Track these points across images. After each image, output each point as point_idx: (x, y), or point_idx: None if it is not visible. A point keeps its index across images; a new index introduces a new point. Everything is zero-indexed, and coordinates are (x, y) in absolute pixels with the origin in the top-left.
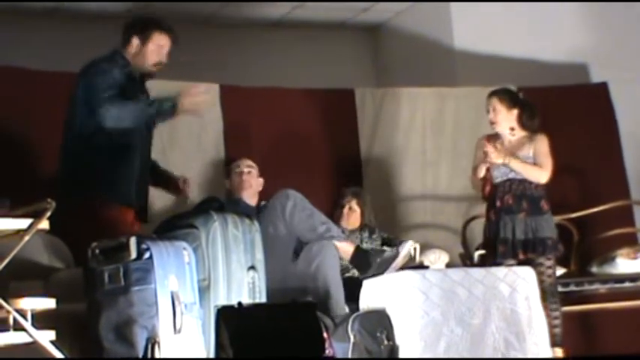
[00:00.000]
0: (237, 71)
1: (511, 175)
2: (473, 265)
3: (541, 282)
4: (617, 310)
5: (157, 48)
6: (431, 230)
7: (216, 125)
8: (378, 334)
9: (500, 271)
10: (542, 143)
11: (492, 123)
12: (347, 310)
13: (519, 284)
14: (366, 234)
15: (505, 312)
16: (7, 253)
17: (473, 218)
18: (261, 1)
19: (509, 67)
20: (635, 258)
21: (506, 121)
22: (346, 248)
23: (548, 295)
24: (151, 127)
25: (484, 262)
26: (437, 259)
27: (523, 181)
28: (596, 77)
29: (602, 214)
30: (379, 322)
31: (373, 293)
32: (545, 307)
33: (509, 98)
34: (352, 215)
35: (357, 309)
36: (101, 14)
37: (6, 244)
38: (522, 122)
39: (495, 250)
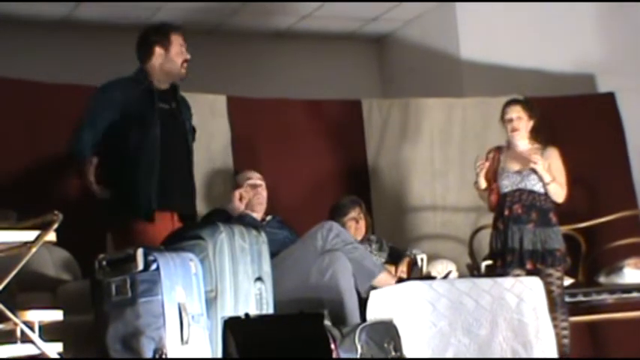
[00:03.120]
0: (244, 82)
1: (521, 185)
2: (480, 275)
3: (549, 292)
4: (624, 320)
5: (179, 47)
6: (438, 241)
7: (224, 136)
8: (386, 345)
9: (507, 282)
10: (557, 159)
11: (514, 130)
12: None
13: (526, 295)
14: (375, 245)
15: (512, 322)
16: (14, 266)
17: (480, 229)
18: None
19: (515, 77)
20: None
21: (524, 129)
22: (389, 281)
23: (556, 305)
24: (185, 136)
25: (490, 272)
26: (444, 269)
27: (532, 192)
28: (603, 87)
29: (609, 224)
30: (386, 332)
31: (381, 304)
32: (554, 318)
33: (530, 108)
34: (359, 226)
35: (365, 320)
36: (114, 26)
37: (13, 257)
38: (535, 134)
39: (503, 260)
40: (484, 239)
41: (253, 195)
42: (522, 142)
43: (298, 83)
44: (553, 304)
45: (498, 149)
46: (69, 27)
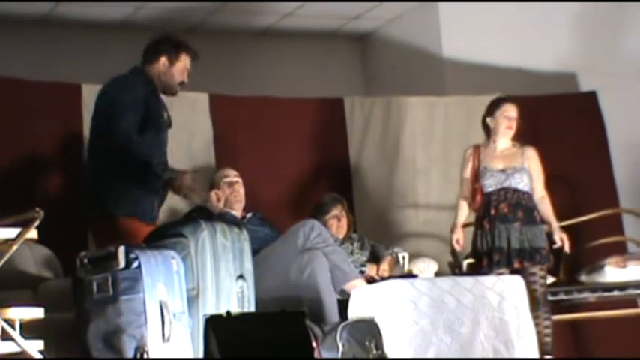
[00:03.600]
0: (226, 81)
1: (505, 184)
2: (462, 273)
3: (533, 291)
4: (605, 319)
5: (183, 68)
6: (420, 239)
7: (205, 133)
8: (367, 343)
9: (489, 280)
10: (537, 159)
11: (511, 128)
12: (338, 318)
13: (508, 293)
14: (357, 244)
15: (494, 321)
16: None
17: (462, 227)
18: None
19: (498, 75)
20: (624, 266)
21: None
22: (359, 284)
23: (539, 304)
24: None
25: (475, 271)
26: (426, 267)
27: (517, 191)
28: (584, 86)
29: (591, 223)
30: (368, 330)
31: (362, 302)
32: (536, 317)
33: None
34: (341, 224)
35: (346, 318)
36: (95, 23)
37: None
38: (518, 133)
39: (489, 259)
40: (466, 237)
41: (230, 193)
42: (503, 141)
43: (280, 81)
44: (535, 303)
45: (477, 148)
46: (50, 24)
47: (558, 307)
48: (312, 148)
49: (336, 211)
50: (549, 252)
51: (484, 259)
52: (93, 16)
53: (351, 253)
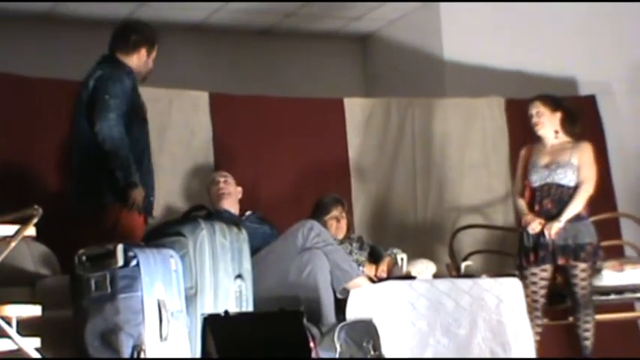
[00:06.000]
0: (226, 79)
1: (549, 180)
2: (460, 276)
3: (573, 293)
4: (603, 323)
5: (153, 58)
6: (419, 240)
7: (205, 132)
8: (365, 344)
9: (486, 283)
10: (587, 152)
11: (535, 125)
12: (334, 319)
13: (506, 295)
14: (355, 244)
15: (491, 323)
16: None
17: (460, 229)
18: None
19: (498, 78)
20: (621, 270)
21: (550, 123)
22: (362, 283)
23: (579, 306)
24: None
25: (522, 269)
26: (424, 269)
27: (561, 186)
28: (584, 90)
29: None
30: (366, 331)
31: (360, 303)
32: (576, 319)
33: (552, 101)
34: (340, 225)
35: (344, 319)
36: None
37: None
38: (565, 126)
39: (535, 255)
40: (464, 239)
41: (215, 191)
42: (549, 136)
43: (281, 81)
44: (575, 304)
45: (531, 146)
46: (50, 21)
47: (555, 310)
48: (311, 148)
49: (336, 211)
50: (598, 247)
51: (530, 255)
52: (93, 13)
53: (350, 253)
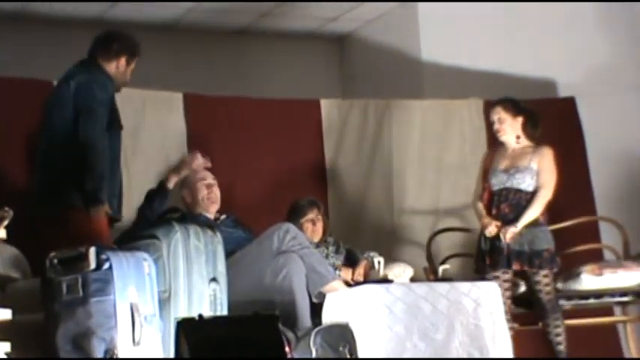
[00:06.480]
0: (201, 79)
1: (508, 184)
2: (437, 279)
3: (538, 299)
4: (581, 327)
5: (131, 69)
6: (396, 243)
7: (179, 133)
8: (341, 349)
9: (464, 286)
10: (548, 157)
11: (497, 132)
12: (310, 323)
13: (483, 299)
14: (332, 248)
15: (469, 327)
16: None
17: (438, 232)
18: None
19: (476, 79)
20: (600, 274)
21: (511, 129)
22: (338, 287)
23: (546, 311)
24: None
25: (480, 272)
26: (402, 272)
27: (519, 191)
28: (563, 92)
29: (567, 230)
30: (342, 336)
31: (336, 307)
32: (546, 325)
33: (513, 106)
34: (316, 228)
35: (320, 323)
36: (67, 20)
37: None
38: (527, 130)
39: (491, 259)
40: (442, 242)
41: (208, 194)
42: (511, 141)
43: (257, 82)
44: (542, 310)
45: (494, 150)
46: (21, 21)
47: (533, 315)
48: (287, 149)
49: (312, 214)
50: (554, 254)
51: (487, 258)
52: (64, 13)
53: (326, 257)
